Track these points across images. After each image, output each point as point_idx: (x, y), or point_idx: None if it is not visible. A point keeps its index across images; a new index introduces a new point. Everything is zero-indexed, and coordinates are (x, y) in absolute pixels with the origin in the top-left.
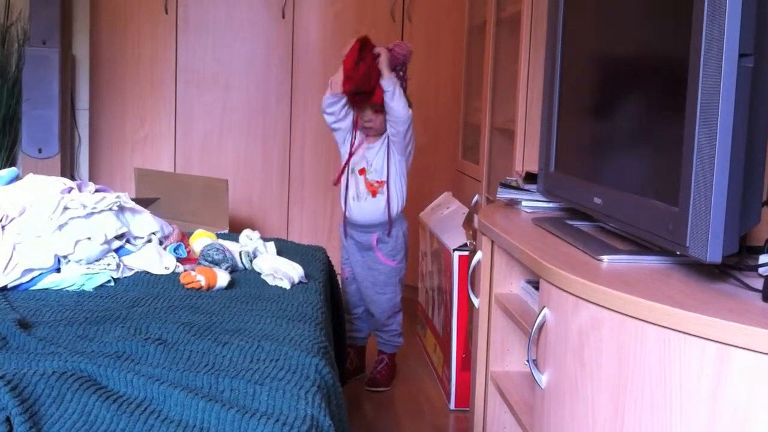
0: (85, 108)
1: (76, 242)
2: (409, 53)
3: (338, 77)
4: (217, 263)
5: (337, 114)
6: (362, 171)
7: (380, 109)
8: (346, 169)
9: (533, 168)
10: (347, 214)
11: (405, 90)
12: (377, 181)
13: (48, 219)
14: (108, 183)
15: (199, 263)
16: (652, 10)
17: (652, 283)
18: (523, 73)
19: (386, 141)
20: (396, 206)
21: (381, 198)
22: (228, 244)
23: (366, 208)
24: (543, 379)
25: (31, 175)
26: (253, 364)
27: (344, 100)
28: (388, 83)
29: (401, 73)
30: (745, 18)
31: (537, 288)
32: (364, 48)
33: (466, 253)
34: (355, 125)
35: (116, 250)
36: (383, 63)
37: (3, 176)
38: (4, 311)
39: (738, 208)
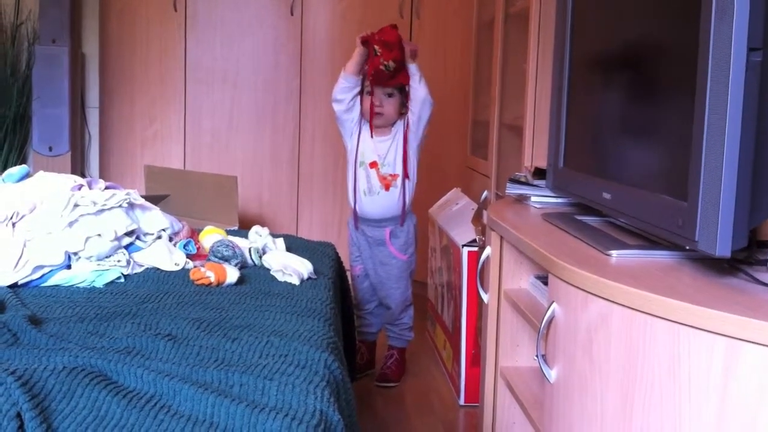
0: (95, 106)
1: (87, 239)
2: (415, 51)
3: (352, 63)
4: (226, 259)
5: (347, 102)
6: (374, 164)
7: (394, 93)
8: (355, 163)
9: (542, 164)
10: (358, 209)
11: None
12: (390, 175)
13: (58, 216)
14: (118, 180)
15: (209, 259)
16: (660, 4)
17: (661, 277)
18: (531, 69)
19: (398, 133)
20: (410, 198)
21: (394, 191)
22: (237, 241)
23: (379, 202)
24: (552, 374)
25: (41, 172)
26: (262, 359)
27: (357, 89)
28: (415, 68)
29: None
30: (754, 12)
31: (546, 283)
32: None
33: (476, 248)
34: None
35: (126, 247)
36: (408, 54)
37: (13, 174)
38: (15, 308)
39: (747, 203)
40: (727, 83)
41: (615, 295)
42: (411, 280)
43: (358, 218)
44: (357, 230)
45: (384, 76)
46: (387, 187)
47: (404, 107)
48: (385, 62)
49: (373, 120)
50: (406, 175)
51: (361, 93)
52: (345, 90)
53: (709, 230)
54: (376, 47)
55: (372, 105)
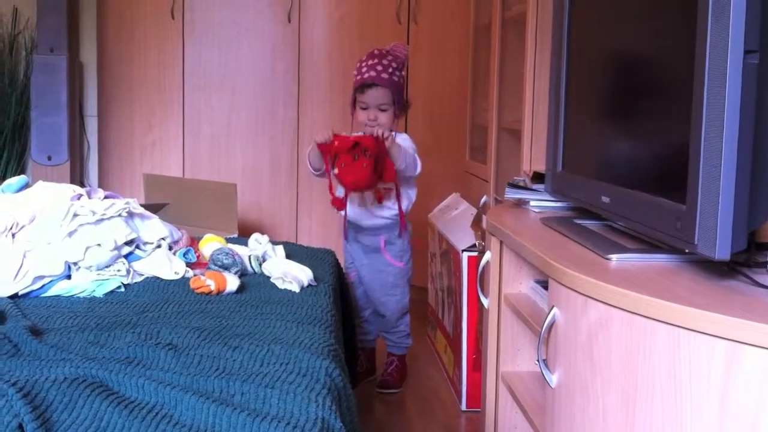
0: (94, 115)
1: (86, 249)
2: (406, 54)
3: (314, 159)
4: (226, 267)
5: (323, 172)
6: None
7: (386, 108)
8: None
9: (541, 167)
10: (352, 218)
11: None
12: (384, 188)
13: (58, 226)
14: (117, 189)
15: (209, 268)
16: (656, 8)
17: (660, 281)
18: (529, 72)
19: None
20: (405, 209)
21: (387, 203)
22: (237, 249)
23: (373, 212)
24: (553, 378)
25: (40, 182)
26: (263, 367)
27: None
28: (401, 162)
29: (401, 73)
30: (750, 14)
31: (546, 288)
32: (356, 147)
33: (475, 253)
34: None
35: (126, 256)
36: (391, 143)
37: (13, 184)
38: (16, 318)
39: (746, 205)
40: (725, 86)
41: (615, 300)
42: (408, 288)
43: (349, 228)
44: (350, 238)
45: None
46: (380, 200)
47: (400, 116)
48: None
49: (369, 131)
50: (398, 188)
51: (353, 106)
52: (317, 172)
53: (708, 233)
54: (337, 169)
55: (372, 120)
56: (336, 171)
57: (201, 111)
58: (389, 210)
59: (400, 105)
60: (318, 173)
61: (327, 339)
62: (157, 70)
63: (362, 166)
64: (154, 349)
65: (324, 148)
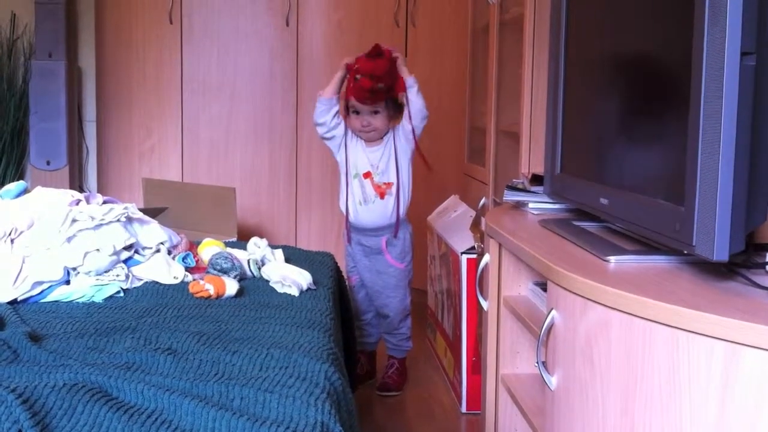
0: (93, 120)
1: (85, 254)
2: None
3: (331, 88)
4: (225, 272)
5: (329, 123)
6: (367, 174)
7: (379, 110)
8: (348, 175)
9: (539, 170)
10: (353, 219)
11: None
12: (385, 183)
13: (57, 231)
14: (116, 194)
15: (208, 272)
16: (654, 10)
17: (659, 282)
18: (527, 75)
19: (389, 141)
20: (404, 207)
21: (389, 199)
22: (236, 253)
23: (375, 211)
24: (552, 380)
25: (39, 188)
26: (262, 372)
27: (335, 108)
28: (413, 81)
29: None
30: (747, 16)
31: (545, 290)
32: (377, 48)
33: (474, 256)
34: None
35: (125, 261)
36: (402, 63)
37: (11, 189)
38: (15, 324)
39: (744, 206)
40: (722, 87)
41: (614, 301)
42: (409, 290)
43: (351, 230)
44: (349, 244)
45: (374, 96)
46: (382, 196)
47: (394, 118)
48: (367, 88)
49: (365, 137)
50: (399, 184)
51: (347, 111)
52: (324, 112)
53: (707, 234)
54: (357, 76)
55: (365, 125)
56: (360, 65)
57: (199, 115)
58: (390, 208)
59: (393, 106)
60: (327, 111)
61: (326, 343)
62: (155, 75)
63: (381, 62)
64: (153, 354)
65: (350, 66)
